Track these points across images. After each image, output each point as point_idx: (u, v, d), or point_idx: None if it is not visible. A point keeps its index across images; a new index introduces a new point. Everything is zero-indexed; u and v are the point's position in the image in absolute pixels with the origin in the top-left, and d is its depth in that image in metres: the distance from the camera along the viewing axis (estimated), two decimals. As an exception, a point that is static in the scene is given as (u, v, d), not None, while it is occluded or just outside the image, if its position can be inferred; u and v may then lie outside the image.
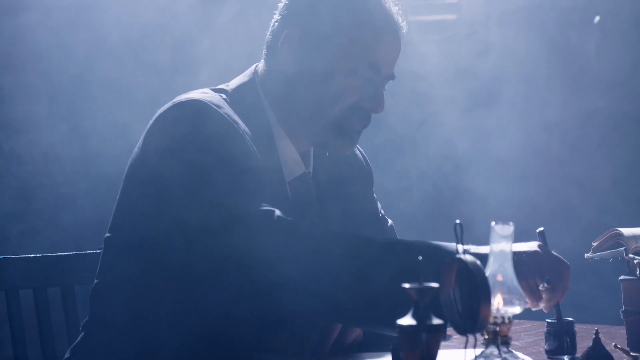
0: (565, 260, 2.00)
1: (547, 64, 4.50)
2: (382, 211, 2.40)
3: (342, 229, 2.24)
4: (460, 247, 1.48)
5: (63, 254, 2.51)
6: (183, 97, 2.09)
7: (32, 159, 4.45)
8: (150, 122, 2.10)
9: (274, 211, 1.93)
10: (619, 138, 4.46)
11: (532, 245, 1.98)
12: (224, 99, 2.13)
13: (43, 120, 4.45)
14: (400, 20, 2.19)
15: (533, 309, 1.98)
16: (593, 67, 4.40)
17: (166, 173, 2.00)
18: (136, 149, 2.11)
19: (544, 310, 2.00)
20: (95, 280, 2.16)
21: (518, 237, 1.65)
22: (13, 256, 2.44)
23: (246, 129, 2.07)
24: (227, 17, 4.45)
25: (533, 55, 4.49)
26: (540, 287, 1.95)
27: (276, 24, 2.20)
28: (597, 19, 4.40)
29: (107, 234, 2.14)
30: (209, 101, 2.06)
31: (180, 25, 4.47)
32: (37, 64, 4.45)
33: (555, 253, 2.00)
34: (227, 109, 2.07)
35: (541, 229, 2.07)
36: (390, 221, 2.41)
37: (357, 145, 2.36)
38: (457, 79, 4.49)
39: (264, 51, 2.22)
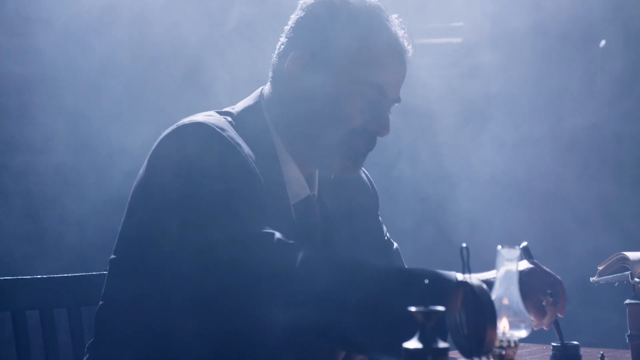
0: (557, 275, 2.02)
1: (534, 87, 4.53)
2: (387, 234, 2.41)
3: (347, 252, 2.24)
4: (460, 276, 1.49)
5: (69, 275, 2.52)
6: (187, 120, 2.09)
7: (39, 179, 4.46)
8: (155, 144, 2.10)
9: (274, 234, 1.93)
10: (604, 159, 4.48)
11: (525, 264, 1.99)
12: (229, 121, 2.13)
13: (51, 140, 4.47)
14: (405, 44, 2.20)
15: (535, 328, 1.98)
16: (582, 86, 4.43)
17: (169, 196, 2.01)
18: (141, 171, 2.11)
19: (545, 328, 2.00)
20: (100, 302, 2.16)
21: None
22: (20, 277, 2.44)
23: (250, 152, 2.08)
24: (237, 38, 4.47)
25: (523, 76, 4.52)
26: (544, 303, 1.96)
27: (282, 46, 2.21)
28: (602, 43, 4.41)
29: (112, 256, 2.14)
30: (213, 124, 2.06)
31: (190, 46, 4.49)
32: (46, 84, 4.47)
33: (546, 268, 2.02)
34: (231, 132, 2.08)
35: (525, 244, 2.07)
36: (395, 244, 2.41)
37: (363, 169, 2.37)
38: (448, 97, 4.51)
39: (270, 74, 2.23)
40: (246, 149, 2.07)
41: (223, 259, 1.94)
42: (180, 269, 1.99)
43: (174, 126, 2.09)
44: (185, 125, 2.07)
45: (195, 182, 1.99)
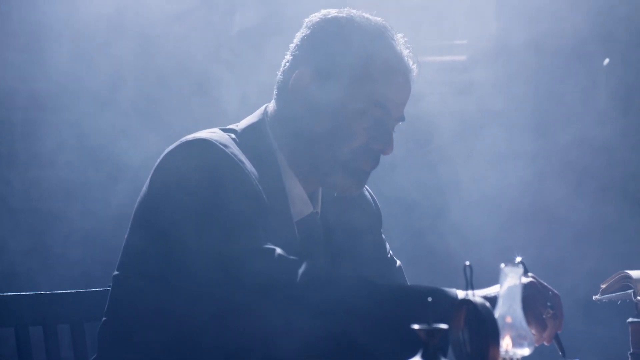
0: (554, 289, 2.03)
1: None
2: (390, 252, 2.41)
3: (350, 270, 2.25)
4: (461, 293, 1.49)
5: (73, 291, 2.52)
6: (191, 136, 2.10)
7: (44, 194, 4.47)
8: (158, 160, 2.11)
9: (274, 249, 1.94)
10: (598, 175, 4.49)
11: (523, 278, 2.00)
12: (232, 138, 2.14)
13: (56, 156, 4.47)
14: (410, 63, 2.21)
15: (537, 344, 1.98)
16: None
17: (171, 213, 2.02)
18: (144, 187, 2.12)
19: (546, 343, 2.00)
20: (103, 318, 2.16)
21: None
22: (23, 293, 2.44)
23: (253, 170, 2.08)
24: (243, 51, 4.48)
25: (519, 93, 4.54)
26: (544, 316, 1.96)
27: (287, 64, 2.21)
28: (606, 61, 4.43)
29: (116, 272, 2.15)
30: (216, 141, 2.07)
31: (196, 61, 4.50)
32: (52, 100, 4.47)
33: (544, 282, 2.03)
34: (234, 149, 2.09)
35: (519, 259, 2.07)
36: (398, 262, 2.41)
37: (366, 187, 2.37)
38: (442, 112, 4.52)
39: (275, 91, 2.23)
40: (249, 166, 2.08)
41: (225, 274, 1.95)
42: (182, 285, 1.99)
43: (177, 142, 2.10)
44: (188, 142, 2.08)
45: (197, 199, 2.00)
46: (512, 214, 4.52)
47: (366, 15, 2.21)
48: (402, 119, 2.21)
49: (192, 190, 2.01)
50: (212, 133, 2.13)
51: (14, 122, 4.44)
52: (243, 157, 2.08)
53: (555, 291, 2.02)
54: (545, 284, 2.03)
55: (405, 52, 2.20)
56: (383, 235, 2.42)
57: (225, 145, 2.07)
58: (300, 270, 1.93)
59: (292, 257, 1.95)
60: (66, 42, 4.42)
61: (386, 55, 2.17)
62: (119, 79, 4.51)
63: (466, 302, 1.47)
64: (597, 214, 4.45)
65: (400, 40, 2.21)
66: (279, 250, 1.94)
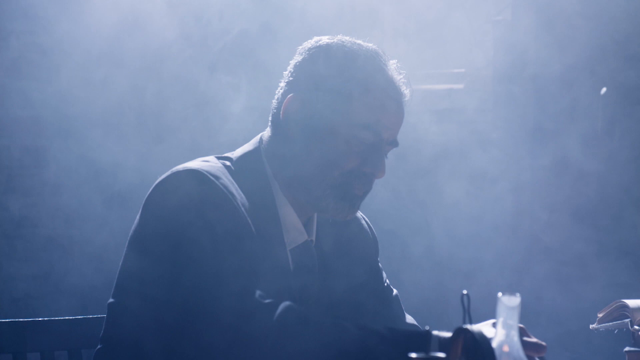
0: None
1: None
2: (387, 281, 2.41)
3: (344, 298, 2.25)
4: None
5: (71, 317, 2.52)
6: (181, 166, 2.11)
7: (41, 221, 4.47)
8: (149, 190, 2.13)
9: (253, 293, 1.95)
10: (581, 199, 4.50)
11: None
12: (227, 166, 2.15)
13: (54, 183, 4.48)
14: (403, 89, 2.22)
15: None
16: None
17: (159, 243, 2.04)
18: (137, 217, 2.13)
19: None
20: (99, 345, 2.17)
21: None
22: (21, 320, 2.45)
23: (245, 200, 2.09)
24: (242, 73, 4.50)
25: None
26: None
27: (281, 91, 2.23)
28: (603, 90, 4.46)
29: (110, 300, 2.16)
30: (206, 171, 2.08)
31: (197, 83, 4.52)
32: (52, 126, 4.49)
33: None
34: (225, 180, 2.09)
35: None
36: (395, 291, 2.41)
37: (363, 215, 2.38)
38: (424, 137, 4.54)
39: (270, 118, 2.25)
40: (239, 197, 2.09)
41: (198, 312, 1.97)
42: (173, 314, 2.01)
43: (168, 172, 2.12)
44: (178, 172, 2.09)
45: (183, 231, 2.01)
46: (495, 235, 4.53)
47: (358, 41, 2.22)
48: (395, 144, 2.21)
49: (180, 223, 2.02)
50: (205, 162, 2.15)
51: (10, 149, 4.45)
52: (234, 188, 2.09)
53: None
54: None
55: (398, 77, 2.21)
56: (380, 264, 2.42)
57: (215, 177, 2.08)
58: (276, 316, 1.94)
59: (267, 300, 1.96)
60: (66, 69, 4.44)
61: (377, 80, 2.18)
62: (120, 105, 4.53)
63: (464, 330, 1.48)
64: (582, 237, 4.47)
65: (392, 66, 2.22)
66: (257, 294, 1.96)
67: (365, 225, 2.41)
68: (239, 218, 2.05)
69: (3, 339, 2.39)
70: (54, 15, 4.41)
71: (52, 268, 4.43)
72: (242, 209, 2.07)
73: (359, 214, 2.38)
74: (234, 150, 2.26)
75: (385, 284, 2.39)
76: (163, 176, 2.11)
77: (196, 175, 2.07)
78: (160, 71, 4.49)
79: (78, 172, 4.50)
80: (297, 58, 2.24)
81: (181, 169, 2.10)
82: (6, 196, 4.43)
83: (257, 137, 2.26)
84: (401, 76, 2.21)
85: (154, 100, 4.52)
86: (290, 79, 2.22)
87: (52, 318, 2.50)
